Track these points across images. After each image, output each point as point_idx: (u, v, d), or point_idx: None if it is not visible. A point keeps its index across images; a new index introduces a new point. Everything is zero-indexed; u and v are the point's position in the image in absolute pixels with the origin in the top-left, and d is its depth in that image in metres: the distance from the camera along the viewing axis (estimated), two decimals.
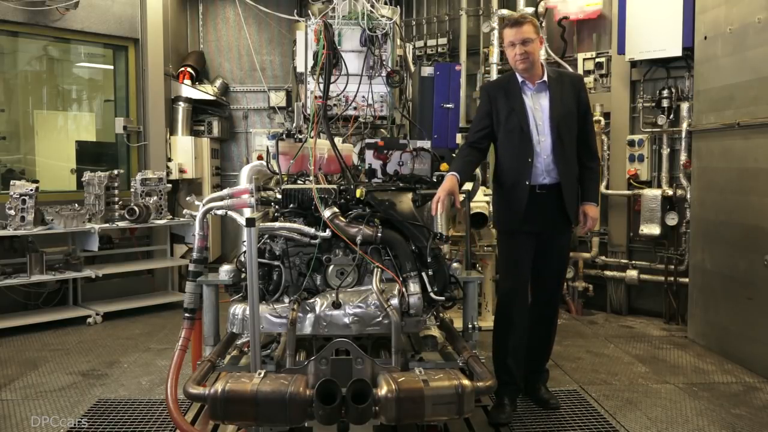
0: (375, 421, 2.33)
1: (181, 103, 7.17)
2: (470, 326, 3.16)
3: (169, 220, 6.25)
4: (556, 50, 6.13)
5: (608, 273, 6.00)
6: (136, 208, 5.85)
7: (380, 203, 3.02)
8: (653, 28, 5.46)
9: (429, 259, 2.87)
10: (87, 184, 5.89)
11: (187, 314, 3.06)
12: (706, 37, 4.92)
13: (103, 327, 5.58)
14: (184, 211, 4.57)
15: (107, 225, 5.79)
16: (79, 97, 7.14)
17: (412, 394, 2.28)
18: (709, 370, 4.39)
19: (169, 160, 6.90)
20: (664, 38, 5.42)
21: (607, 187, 6.01)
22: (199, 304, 3.07)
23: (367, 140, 3.66)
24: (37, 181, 5.55)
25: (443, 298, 2.86)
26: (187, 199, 3.65)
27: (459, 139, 5.07)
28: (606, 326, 5.58)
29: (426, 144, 3.65)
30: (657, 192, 5.63)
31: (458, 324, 3.26)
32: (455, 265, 3.04)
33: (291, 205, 3.02)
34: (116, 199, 6.02)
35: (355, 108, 4.05)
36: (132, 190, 6.16)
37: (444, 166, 3.73)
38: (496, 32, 6.30)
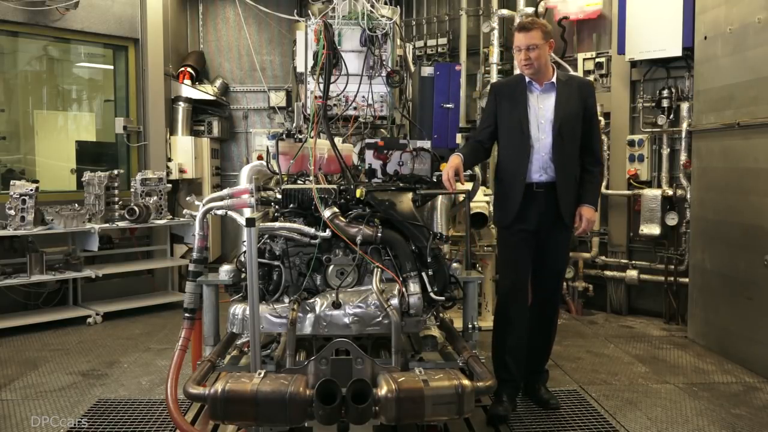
0: (375, 421, 2.32)
1: (181, 103, 7.17)
2: (470, 326, 3.16)
3: (169, 220, 6.25)
4: (556, 50, 6.09)
5: (608, 273, 6.00)
6: (136, 208, 5.85)
7: (380, 203, 3.02)
8: (653, 28, 5.47)
9: (429, 259, 2.87)
10: (87, 184, 5.89)
11: (187, 314, 3.06)
12: (706, 37, 4.92)
13: (103, 327, 5.58)
14: (184, 211, 4.57)
15: (107, 225, 5.79)
16: (79, 97, 7.14)
17: (412, 394, 2.28)
18: (709, 370, 4.39)
19: (169, 160, 6.90)
20: (664, 38, 5.42)
21: (607, 187, 6.00)
22: (199, 304, 3.07)
23: (367, 140, 3.66)
24: (37, 181, 5.55)
25: (443, 298, 2.86)
26: (187, 199, 3.65)
27: (459, 139, 5.08)
28: (606, 326, 5.58)
29: (426, 144, 3.65)
30: (657, 192, 5.63)
31: (458, 324, 3.26)
32: (455, 265, 3.04)
33: (291, 205, 3.02)
34: (116, 199, 6.02)
35: (355, 108, 4.05)
36: (132, 190, 6.16)
37: (444, 166, 3.73)
38: (496, 32, 6.30)
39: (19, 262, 5.48)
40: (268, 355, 2.96)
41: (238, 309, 2.82)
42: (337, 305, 2.76)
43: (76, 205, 5.70)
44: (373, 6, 4.21)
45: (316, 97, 3.85)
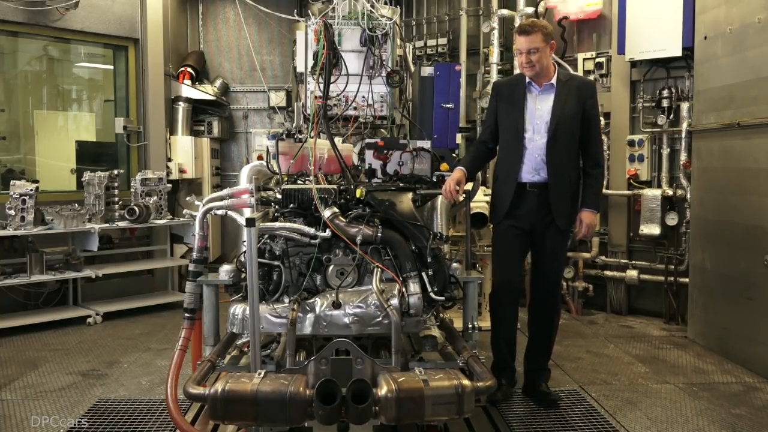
0: (375, 421, 2.32)
1: (181, 103, 7.16)
2: (470, 326, 3.17)
3: (169, 220, 6.25)
4: (556, 50, 6.11)
5: (608, 273, 6.00)
6: (136, 208, 5.85)
7: (380, 203, 3.02)
8: (653, 28, 5.46)
9: (429, 259, 2.87)
10: (87, 184, 5.89)
11: (187, 314, 3.06)
12: (706, 37, 4.92)
13: (103, 327, 5.58)
14: (184, 211, 4.57)
15: (107, 225, 5.79)
16: (79, 97, 7.14)
17: (412, 394, 2.28)
18: (709, 370, 4.39)
19: (169, 160, 6.90)
20: (664, 38, 5.42)
21: (607, 187, 6.00)
22: (199, 304, 3.07)
23: (367, 140, 3.67)
24: (37, 181, 5.55)
25: (443, 298, 2.86)
26: (187, 199, 3.65)
27: (459, 139, 5.08)
28: (606, 326, 5.58)
29: (426, 144, 3.66)
30: (657, 192, 5.63)
31: (458, 324, 3.26)
32: (455, 265, 3.05)
33: (291, 205, 3.02)
34: (116, 199, 6.02)
35: (355, 108, 4.05)
36: (132, 190, 6.16)
37: (444, 166, 3.74)
38: (496, 32, 6.31)
39: (19, 262, 5.47)
40: (268, 355, 2.96)
41: (238, 309, 2.82)
42: (337, 305, 2.76)
43: (76, 205, 5.70)
44: (373, 6, 4.21)
45: (316, 97, 3.85)
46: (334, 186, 3.07)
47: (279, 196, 3.09)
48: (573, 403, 3.73)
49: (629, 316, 5.92)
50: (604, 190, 5.97)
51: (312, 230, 2.89)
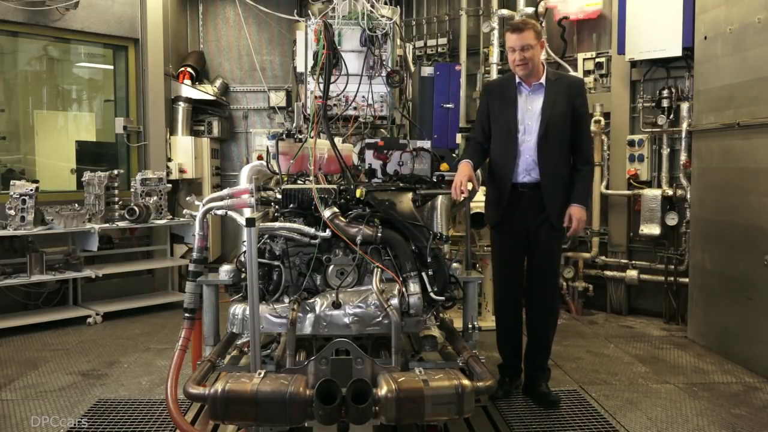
0: (375, 421, 2.32)
1: (181, 103, 7.16)
2: (470, 326, 3.17)
3: (169, 220, 6.25)
4: (556, 50, 6.13)
5: (608, 273, 6.00)
6: (136, 208, 5.85)
7: (380, 203, 3.02)
8: (653, 28, 5.46)
9: (429, 259, 2.87)
10: (87, 184, 5.89)
11: (187, 314, 3.05)
12: (706, 37, 4.92)
13: (103, 327, 5.58)
14: (184, 211, 4.56)
15: (107, 225, 5.79)
16: (79, 97, 7.14)
17: (412, 394, 2.28)
18: (709, 370, 4.39)
19: (169, 160, 6.90)
20: (664, 38, 5.42)
21: (607, 187, 6.01)
22: (199, 304, 3.07)
23: (367, 140, 3.67)
24: (37, 181, 5.55)
25: (443, 298, 2.86)
26: (187, 199, 3.65)
27: (459, 139, 5.07)
28: (606, 326, 5.58)
29: (426, 144, 3.66)
30: (657, 192, 5.63)
31: (458, 324, 3.26)
32: (455, 265, 3.05)
33: (291, 205, 3.02)
34: (116, 199, 6.02)
35: (355, 108, 4.05)
36: (132, 190, 6.16)
37: (444, 166, 3.74)
38: (496, 32, 6.31)
39: (19, 262, 5.47)
40: (268, 355, 2.96)
41: (238, 309, 2.82)
42: (337, 305, 2.76)
43: (76, 205, 5.70)
44: (373, 6, 4.21)
45: (316, 97, 3.85)
46: (334, 186, 3.07)
47: (279, 196, 3.09)
48: (573, 403, 3.73)
49: (629, 316, 5.92)
50: (604, 190, 5.99)
51: (312, 230, 2.89)
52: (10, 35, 6.07)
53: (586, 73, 6.15)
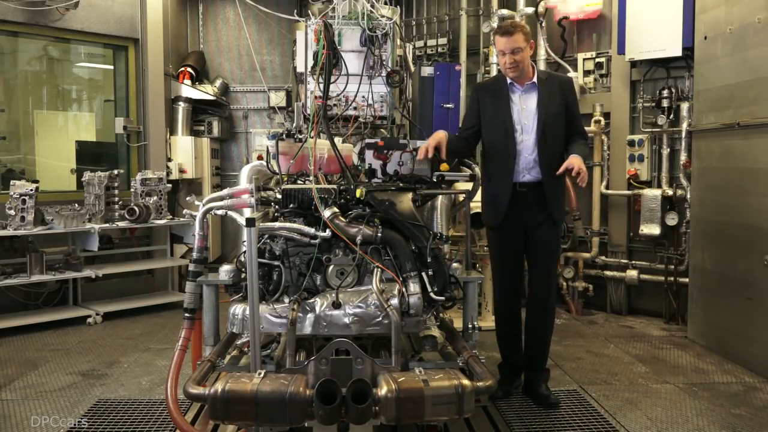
0: (375, 421, 2.32)
1: (181, 103, 7.16)
2: (470, 326, 3.16)
3: (169, 220, 6.25)
4: (556, 50, 6.13)
5: (608, 273, 6.00)
6: (136, 208, 5.85)
7: (380, 203, 3.02)
8: (653, 28, 5.47)
9: (429, 259, 2.87)
10: (87, 184, 5.89)
11: (187, 314, 3.05)
12: (706, 37, 4.92)
13: (103, 327, 5.58)
14: (184, 211, 4.57)
15: (107, 225, 5.79)
16: (79, 97, 7.14)
17: (412, 394, 2.28)
18: (709, 370, 4.39)
19: (169, 160, 6.90)
20: (664, 38, 5.42)
21: (607, 187, 6.01)
22: (199, 304, 3.07)
23: (367, 140, 3.66)
24: (37, 181, 5.55)
25: (443, 298, 2.86)
26: (187, 199, 3.65)
27: None
28: (606, 326, 5.58)
29: None
30: (657, 192, 5.63)
31: (458, 324, 3.26)
32: (455, 265, 3.05)
33: (291, 205, 3.02)
34: (116, 199, 6.02)
35: (355, 108, 4.05)
36: (132, 190, 6.16)
37: (444, 166, 3.73)
38: None
39: (19, 262, 5.48)
40: (268, 355, 2.96)
41: (238, 309, 2.82)
42: (337, 305, 2.75)
43: (76, 205, 5.70)
44: (373, 6, 4.21)
45: (316, 97, 3.85)
46: (334, 186, 3.07)
47: (279, 196, 3.09)
48: (573, 403, 3.73)
49: (629, 316, 5.92)
50: (604, 190, 6.00)
51: (312, 230, 2.89)
52: (10, 35, 6.07)
53: (586, 73, 6.15)
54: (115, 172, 6.05)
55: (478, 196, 4.30)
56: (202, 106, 7.51)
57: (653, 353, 4.76)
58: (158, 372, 4.31)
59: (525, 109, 3.61)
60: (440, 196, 3.86)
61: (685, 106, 5.49)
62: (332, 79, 3.78)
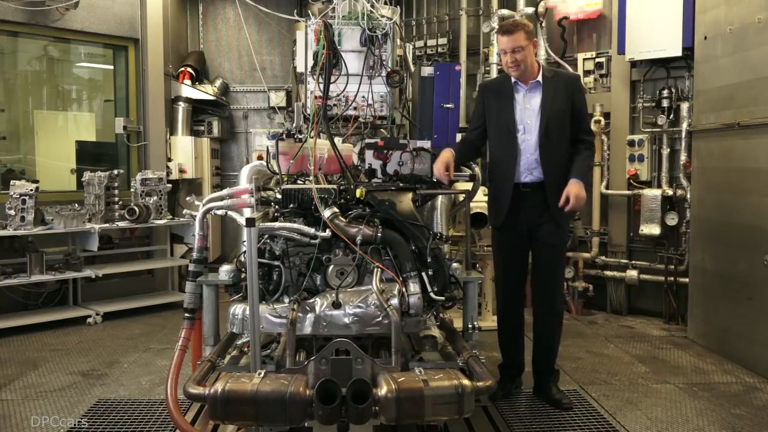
0: (375, 421, 2.32)
1: (181, 103, 7.16)
2: (470, 326, 3.16)
3: (169, 220, 6.25)
4: (556, 50, 6.13)
5: (608, 273, 6.00)
6: (136, 208, 5.85)
7: (380, 203, 3.02)
8: (653, 28, 5.46)
9: (429, 259, 2.87)
10: (87, 184, 5.89)
11: (187, 314, 3.05)
12: (706, 37, 4.92)
13: (103, 327, 5.58)
14: (184, 211, 4.57)
15: (107, 225, 5.79)
16: (79, 97, 7.14)
17: (412, 394, 2.28)
18: (709, 370, 4.39)
19: (169, 160, 6.90)
20: (664, 38, 5.42)
21: (607, 187, 6.01)
22: (199, 304, 3.07)
23: (367, 140, 3.66)
24: (37, 181, 5.55)
25: (443, 298, 2.86)
26: (187, 199, 3.65)
27: (459, 139, 5.07)
28: (606, 326, 5.58)
29: (426, 144, 3.65)
30: (657, 192, 5.63)
31: (458, 324, 3.26)
32: (455, 265, 3.05)
33: (291, 205, 3.02)
34: (116, 199, 6.02)
35: (355, 108, 4.05)
36: (132, 190, 6.17)
37: None
38: (496, 32, 6.31)
39: (19, 262, 5.48)
40: (268, 355, 2.96)
41: (238, 309, 2.82)
42: (337, 305, 2.75)
43: (76, 205, 5.70)
44: (373, 6, 4.21)
45: (316, 97, 3.85)
46: (334, 186, 3.07)
47: (279, 196, 3.09)
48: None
49: (629, 316, 5.92)
50: (603, 190, 5.99)
51: (312, 230, 2.89)
52: (10, 35, 6.07)
53: (586, 73, 6.15)
54: (115, 172, 6.05)
55: (478, 196, 4.31)
56: (202, 106, 7.51)
57: (653, 353, 4.76)
58: (158, 372, 4.31)
59: (528, 108, 3.57)
60: (440, 196, 3.86)
61: (685, 106, 5.49)
62: (332, 79, 3.78)
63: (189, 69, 7.32)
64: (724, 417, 3.56)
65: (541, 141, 3.52)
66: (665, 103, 5.60)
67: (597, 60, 6.07)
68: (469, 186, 3.89)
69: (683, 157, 5.50)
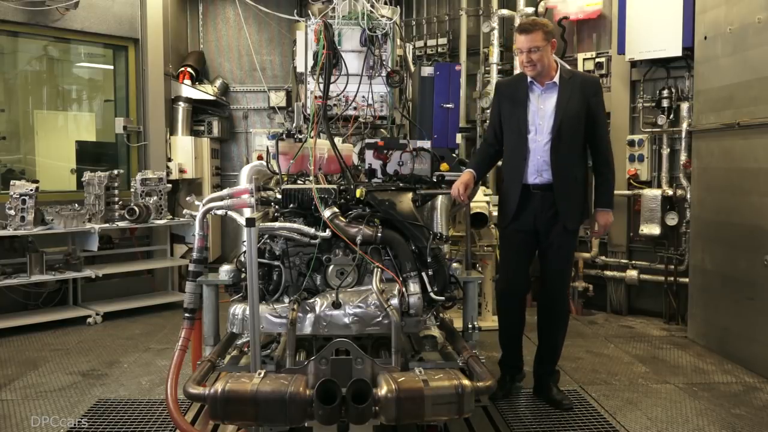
0: (375, 421, 2.32)
1: (181, 103, 7.16)
2: (470, 326, 3.16)
3: (169, 220, 6.25)
4: (556, 50, 6.12)
5: (608, 273, 6.00)
6: (136, 208, 5.85)
7: (380, 203, 3.02)
8: (653, 28, 5.46)
9: (429, 259, 2.87)
10: (87, 184, 5.89)
11: (187, 314, 3.05)
12: (706, 37, 4.92)
13: (103, 327, 5.58)
14: (184, 211, 4.56)
15: (107, 225, 5.79)
16: (79, 97, 7.14)
17: (412, 394, 2.28)
18: (709, 370, 4.39)
19: (169, 160, 6.90)
20: (664, 38, 5.42)
21: None
22: (199, 304, 3.07)
23: (367, 140, 3.67)
24: (37, 181, 5.55)
25: (443, 298, 2.86)
26: (187, 199, 3.65)
27: (459, 139, 5.08)
28: (606, 326, 5.58)
29: (426, 144, 3.66)
30: (657, 192, 5.63)
31: (458, 324, 3.26)
32: (455, 265, 3.05)
33: (291, 205, 3.02)
34: (116, 199, 6.02)
35: (355, 108, 4.05)
36: (132, 190, 6.17)
37: (444, 166, 3.74)
38: (496, 32, 6.32)
39: (19, 262, 5.48)
40: (268, 355, 2.96)
41: (238, 309, 2.82)
42: (337, 305, 2.76)
43: (76, 205, 5.70)
44: (373, 6, 4.21)
45: (316, 97, 3.85)
46: (334, 186, 3.07)
47: (279, 196, 3.09)
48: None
49: (629, 316, 5.92)
50: None
51: (312, 230, 2.89)
52: (10, 35, 6.07)
53: (586, 72, 6.14)
54: (115, 172, 6.05)
55: (478, 197, 4.32)
56: (202, 106, 7.51)
57: (653, 353, 4.76)
58: (158, 372, 4.31)
59: (542, 109, 3.49)
60: (440, 196, 3.86)
61: (685, 106, 5.49)
62: (332, 79, 3.78)
63: (189, 69, 7.32)
64: (724, 417, 3.56)
65: (552, 143, 3.45)
66: (665, 103, 5.60)
67: (597, 60, 6.07)
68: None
69: (683, 157, 5.50)
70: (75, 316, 5.65)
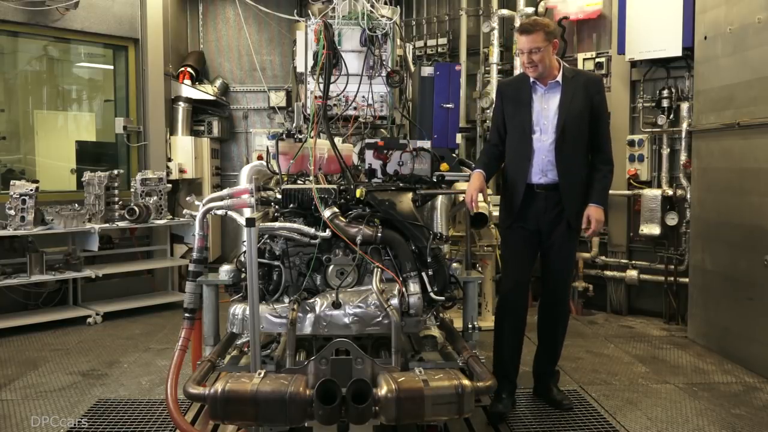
0: (375, 421, 2.32)
1: (181, 103, 7.16)
2: (470, 326, 3.17)
3: (169, 220, 6.25)
4: (556, 50, 6.12)
5: (608, 273, 6.00)
6: (136, 208, 5.86)
7: (380, 203, 3.02)
8: (653, 28, 5.46)
9: (429, 259, 2.87)
10: (87, 184, 5.89)
11: (187, 314, 3.06)
12: (706, 37, 4.92)
13: (103, 327, 5.58)
14: (184, 211, 4.56)
15: (107, 225, 5.79)
16: (79, 97, 7.14)
17: (412, 394, 2.28)
18: (709, 370, 4.39)
19: (169, 160, 6.90)
20: (664, 38, 5.42)
21: None
22: (199, 304, 3.07)
23: (367, 140, 3.67)
24: (37, 181, 5.55)
25: (443, 298, 2.86)
26: (187, 199, 3.65)
27: (459, 139, 5.08)
28: (606, 326, 5.58)
29: (426, 144, 3.65)
30: (657, 192, 5.63)
31: (458, 324, 3.26)
32: (455, 265, 3.05)
33: (291, 205, 3.02)
34: (116, 199, 6.02)
35: (355, 108, 4.05)
36: (132, 190, 6.17)
37: (444, 166, 3.74)
38: (496, 32, 6.32)
39: (19, 262, 5.48)
40: (268, 355, 2.96)
41: (238, 309, 2.82)
42: (337, 305, 2.76)
43: (76, 205, 5.70)
44: (373, 6, 4.21)
45: (316, 97, 3.85)
46: (334, 186, 3.07)
47: (279, 196, 3.09)
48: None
49: (629, 316, 5.92)
50: None
51: (312, 230, 2.89)
52: (10, 35, 6.07)
53: (589, 72, 6.14)
54: (115, 172, 6.05)
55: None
56: (202, 106, 7.51)
57: (653, 353, 4.76)
58: (158, 372, 4.31)
59: (546, 109, 3.47)
60: (440, 196, 3.86)
61: (685, 106, 5.49)
62: (332, 79, 3.78)
63: (189, 69, 7.32)
64: (724, 417, 3.56)
65: (557, 143, 3.42)
66: (665, 103, 5.60)
67: (597, 60, 6.07)
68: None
69: (683, 157, 5.50)
70: (75, 316, 5.65)
